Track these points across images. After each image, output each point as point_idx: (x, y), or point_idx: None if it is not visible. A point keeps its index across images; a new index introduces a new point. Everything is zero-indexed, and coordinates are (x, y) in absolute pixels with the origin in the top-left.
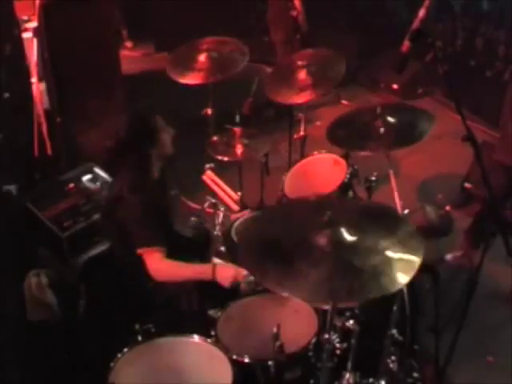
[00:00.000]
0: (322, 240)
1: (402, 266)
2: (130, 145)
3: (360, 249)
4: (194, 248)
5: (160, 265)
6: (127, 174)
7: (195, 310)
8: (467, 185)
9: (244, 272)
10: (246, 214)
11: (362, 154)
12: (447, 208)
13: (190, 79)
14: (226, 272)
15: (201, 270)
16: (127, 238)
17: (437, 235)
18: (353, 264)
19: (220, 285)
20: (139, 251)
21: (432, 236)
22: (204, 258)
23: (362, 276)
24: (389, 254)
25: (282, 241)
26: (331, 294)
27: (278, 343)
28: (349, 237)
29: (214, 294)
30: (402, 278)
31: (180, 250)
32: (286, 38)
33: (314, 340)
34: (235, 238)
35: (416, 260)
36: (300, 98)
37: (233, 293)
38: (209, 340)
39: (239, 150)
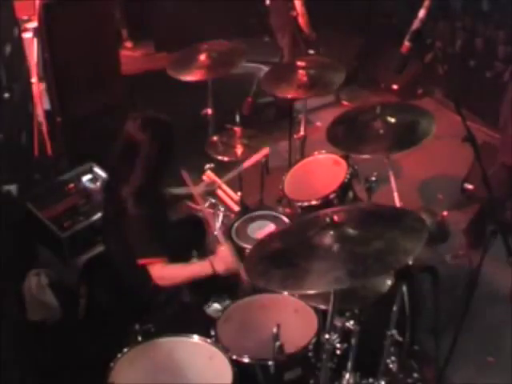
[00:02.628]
0: (326, 240)
1: (406, 246)
2: (159, 153)
3: (363, 239)
4: (191, 237)
5: (161, 273)
6: (135, 183)
7: (194, 303)
8: (467, 185)
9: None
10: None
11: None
12: (444, 213)
13: (190, 76)
14: (220, 261)
15: (200, 269)
16: (128, 245)
17: (433, 242)
18: (357, 252)
19: (220, 275)
20: (142, 261)
21: (429, 243)
22: (201, 244)
23: (367, 260)
24: (392, 236)
25: (285, 250)
26: (336, 280)
27: (277, 343)
28: (352, 231)
29: (213, 290)
30: (407, 255)
31: (178, 241)
32: (293, 40)
33: (314, 340)
34: (235, 238)
35: (421, 238)
36: (296, 94)
37: (233, 288)
38: (209, 340)
39: (239, 149)
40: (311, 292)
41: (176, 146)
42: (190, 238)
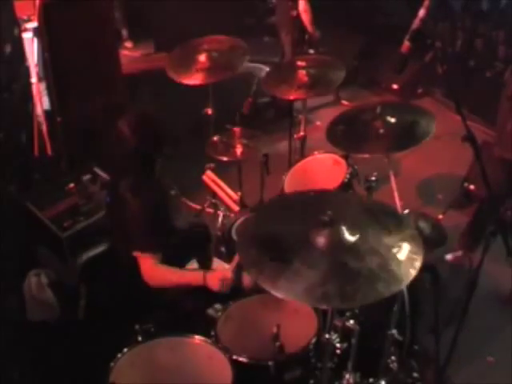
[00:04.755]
0: (321, 240)
1: (399, 271)
2: (139, 147)
3: (358, 250)
4: (193, 245)
5: (152, 271)
6: (131, 177)
7: (195, 308)
8: (467, 185)
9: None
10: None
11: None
12: (439, 217)
13: (190, 80)
14: (215, 278)
15: (192, 278)
16: (128, 238)
17: (431, 246)
18: (349, 266)
19: (210, 290)
20: (134, 254)
21: (426, 247)
22: (203, 255)
23: (358, 280)
24: (387, 255)
25: (281, 238)
26: (324, 298)
27: (277, 343)
28: (348, 237)
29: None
30: (398, 284)
31: (179, 247)
32: (296, 39)
33: (314, 340)
34: (235, 238)
35: (415, 265)
36: (297, 95)
37: (234, 291)
38: (209, 340)
39: (239, 149)
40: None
41: (172, 142)
42: (191, 246)
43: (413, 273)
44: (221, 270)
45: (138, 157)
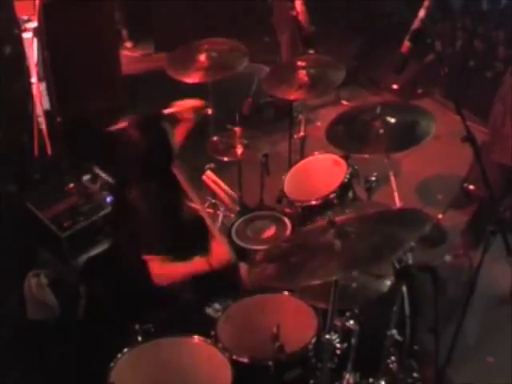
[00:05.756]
0: (326, 238)
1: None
2: (151, 150)
3: (362, 234)
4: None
5: (161, 271)
6: (140, 181)
7: (195, 307)
8: (467, 185)
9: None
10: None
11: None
12: (439, 216)
13: (190, 78)
14: (217, 258)
15: (197, 264)
16: (136, 241)
17: (431, 245)
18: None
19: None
20: (144, 257)
21: (426, 246)
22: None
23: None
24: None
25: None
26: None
27: (277, 343)
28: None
29: (214, 289)
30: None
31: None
32: (292, 38)
33: (314, 340)
34: (235, 239)
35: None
36: (298, 95)
37: (233, 288)
38: (208, 340)
39: (239, 150)
40: (308, 283)
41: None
42: (192, 240)
43: (414, 236)
44: (214, 247)
45: (149, 160)
